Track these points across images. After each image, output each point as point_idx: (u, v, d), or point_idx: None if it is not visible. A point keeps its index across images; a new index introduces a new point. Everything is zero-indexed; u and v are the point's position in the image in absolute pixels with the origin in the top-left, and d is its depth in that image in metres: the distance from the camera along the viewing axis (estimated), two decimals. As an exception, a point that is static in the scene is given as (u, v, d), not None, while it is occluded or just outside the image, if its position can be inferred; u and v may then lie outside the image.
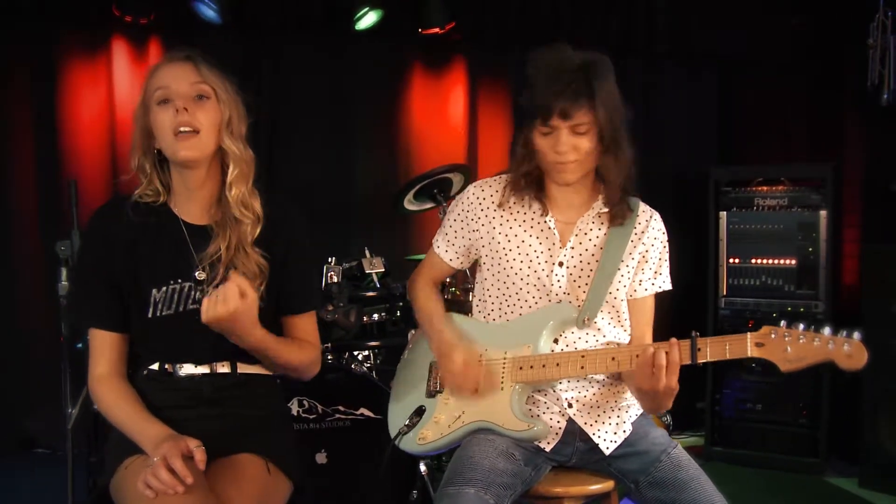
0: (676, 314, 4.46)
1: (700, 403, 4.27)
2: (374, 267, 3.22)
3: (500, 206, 2.13)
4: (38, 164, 3.97)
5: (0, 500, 3.51)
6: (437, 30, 4.21)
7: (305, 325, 2.07)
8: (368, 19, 4.11)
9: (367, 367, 3.28)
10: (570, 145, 1.94)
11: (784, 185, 3.99)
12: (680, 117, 4.71)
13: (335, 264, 3.09)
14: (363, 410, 2.87)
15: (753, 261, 4.03)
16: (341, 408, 2.88)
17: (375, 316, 3.29)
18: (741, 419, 4.05)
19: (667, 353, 1.83)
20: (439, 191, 3.43)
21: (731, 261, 4.08)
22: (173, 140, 1.85)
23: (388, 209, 3.65)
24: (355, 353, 3.31)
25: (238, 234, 1.94)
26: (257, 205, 1.97)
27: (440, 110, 4.50)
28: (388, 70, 4.41)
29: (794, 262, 3.95)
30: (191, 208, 1.98)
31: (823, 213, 3.88)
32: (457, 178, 3.45)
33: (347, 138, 4.35)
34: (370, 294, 3.21)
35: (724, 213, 4.09)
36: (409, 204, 3.53)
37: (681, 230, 4.55)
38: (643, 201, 2.20)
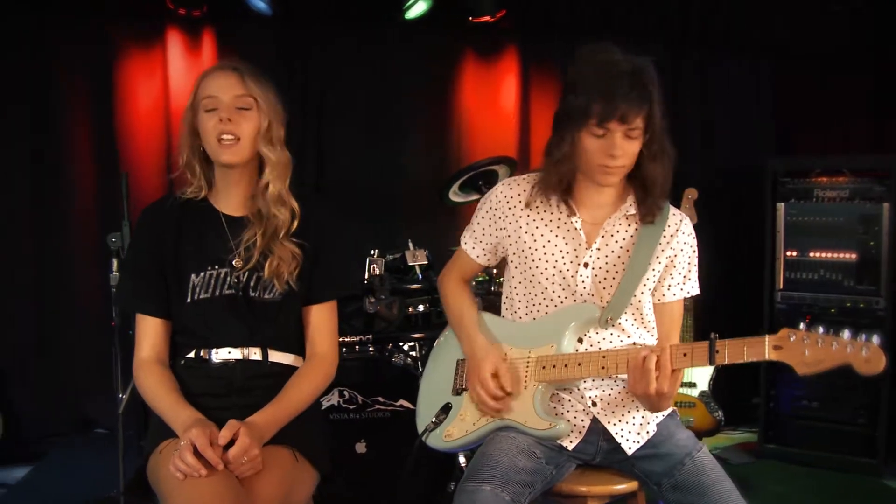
0: (732, 307, 4.41)
1: (756, 399, 4.17)
2: (418, 259, 3.25)
3: (527, 205, 2.13)
4: (96, 156, 4.12)
5: (61, 477, 3.69)
6: (487, 18, 4.19)
7: (321, 319, 2.14)
8: (418, 8, 4.11)
9: (413, 357, 3.30)
10: (623, 150, 1.93)
11: (845, 176, 3.85)
12: (737, 107, 4.60)
13: (378, 256, 3.12)
14: (402, 402, 2.90)
15: (812, 254, 3.91)
16: (381, 399, 2.92)
17: (421, 307, 3.32)
18: (797, 416, 3.95)
19: (658, 357, 1.82)
20: (484, 183, 3.43)
21: (788, 254, 3.96)
22: (217, 145, 2.00)
23: (437, 200, 3.67)
24: (400, 343, 3.34)
25: (275, 224, 2.06)
26: (292, 201, 2.09)
27: (492, 100, 4.49)
28: (438, 59, 4.41)
29: (854, 256, 3.81)
30: (230, 202, 2.11)
31: (886, 205, 3.72)
32: (502, 171, 3.45)
33: (397, 129, 4.39)
34: (414, 286, 3.24)
35: (782, 204, 3.96)
36: (455, 196, 3.53)
37: (737, 222, 4.50)
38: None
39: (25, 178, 4.07)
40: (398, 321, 3.18)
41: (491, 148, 4.28)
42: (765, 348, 1.76)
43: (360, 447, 2.90)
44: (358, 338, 3.05)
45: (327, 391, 2.82)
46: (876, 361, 1.65)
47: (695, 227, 3.89)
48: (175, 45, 4.12)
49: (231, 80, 2.01)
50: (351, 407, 2.90)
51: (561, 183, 2.06)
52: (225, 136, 1.98)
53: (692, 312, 3.93)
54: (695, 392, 3.93)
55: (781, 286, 3.98)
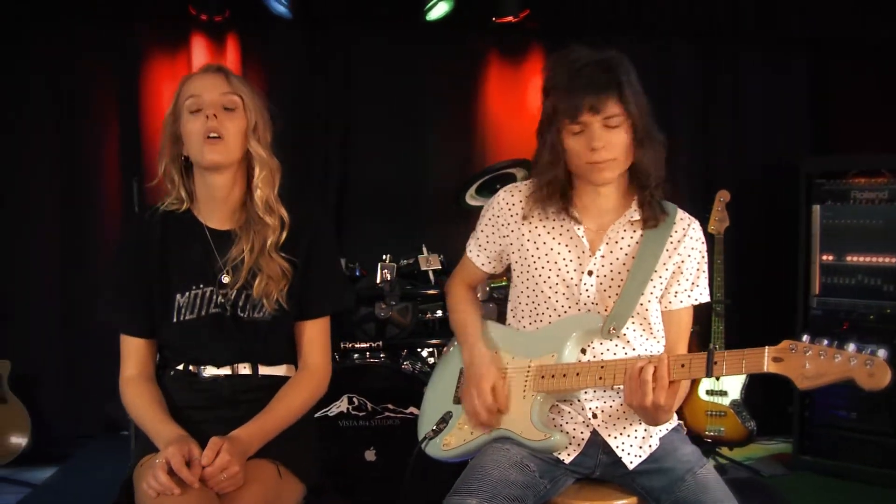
0: (766, 314, 4.26)
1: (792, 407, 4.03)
2: (431, 264, 3.20)
3: (524, 217, 2.07)
4: (122, 161, 4.15)
5: (85, 478, 3.74)
6: (510, 18, 4.11)
7: (313, 333, 2.08)
8: (439, 10, 4.04)
9: (431, 364, 3.27)
10: (604, 140, 1.86)
11: (885, 177, 3.68)
12: (769, 104, 4.43)
13: (390, 262, 3.09)
14: (413, 409, 2.86)
15: (849, 258, 3.75)
16: (391, 406, 2.89)
17: (439, 313, 3.28)
18: (833, 427, 3.78)
19: (655, 368, 1.74)
20: (502, 186, 3.35)
21: (823, 258, 3.81)
22: (202, 144, 1.91)
23: (456, 204, 3.62)
24: (418, 350, 3.30)
25: (262, 237, 1.99)
26: (282, 210, 2.02)
27: (518, 101, 4.39)
28: (462, 61, 4.34)
29: (894, 260, 3.65)
30: (215, 215, 2.04)
31: (928, 207, 3.57)
32: (520, 174, 3.38)
33: (421, 131, 4.33)
34: (429, 292, 3.19)
35: (818, 206, 3.81)
36: (472, 199, 3.48)
37: (770, 224, 4.36)
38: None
39: (53, 184, 4.11)
40: (411, 327, 3.14)
41: (517, 150, 4.17)
42: (764, 360, 1.67)
43: (370, 455, 2.87)
44: (368, 344, 3.01)
45: (336, 398, 2.85)
46: (880, 376, 1.56)
47: (727, 230, 3.85)
48: (199, 50, 4.13)
49: (216, 80, 1.95)
50: (360, 414, 2.88)
51: (551, 194, 2.00)
52: (211, 134, 1.90)
53: (723, 318, 3.82)
54: (726, 401, 3.81)
55: (817, 291, 3.83)
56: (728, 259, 3.86)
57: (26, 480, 3.70)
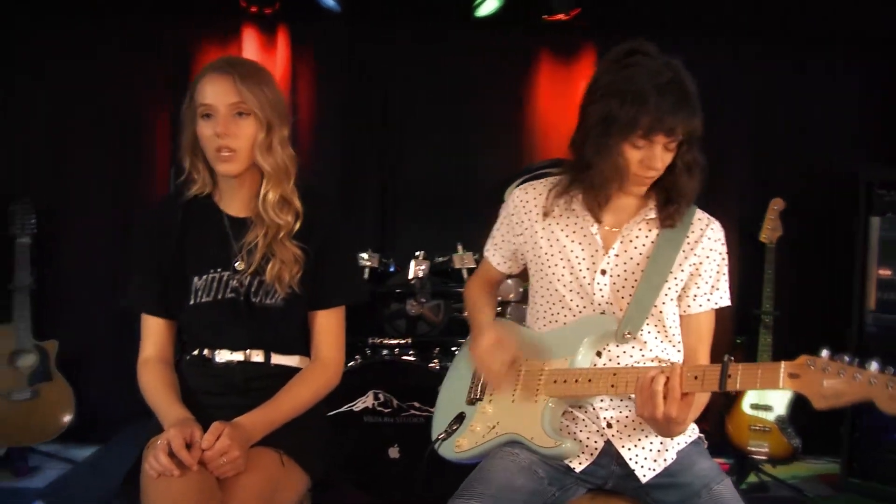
0: (818, 328, 4.09)
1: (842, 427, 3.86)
2: (465, 263, 3.17)
3: (545, 214, 2.03)
4: (173, 154, 4.15)
5: (123, 459, 3.73)
6: (561, 16, 4.06)
7: (326, 322, 2.08)
8: (489, 6, 4.01)
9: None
10: (663, 161, 1.84)
11: (950, 190, 3.53)
12: (825, 109, 4.23)
13: (423, 258, 3.07)
14: (439, 408, 2.84)
15: (908, 274, 3.60)
16: (416, 404, 2.87)
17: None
18: (885, 450, 3.61)
19: (667, 378, 1.67)
20: (543, 185, 3.31)
21: (881, 272, 3.66)
22: (214, 155, 1.95)
23: (497, 203, 3.57)
24: (452, 349, 3.28)
25: (277, 225, 2.00)
26: (296, 202, 2.04)
27: (569, 101, 4.29)
28: (512, 59, 4.28)
29: (956, 277, 3.49)
30: (233, 202, 2.08)
31: None
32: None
33: (467, 129, 4.29)
34: (460, 290, 3.16)
35: (877, 218, 3.66)
36: (511, 198, 3.43)
37: (827, 235, 4.19)
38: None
39: (107, 177, 4.20)
40: (442, 325, 3.12)
41: (566, 150, 4.12)
42: (779, 376, 1.59)
43: (393, 452, 2.86)
44: (397, 340, 3.00)
45: (362, 393, 2.85)
46: None
47: (780, 239, 3.71)
48: (250, 42, 4.17)
49: (225, 86, 1.92)
50: (386, 410, 2.87)
51: (600, 195, 1.94)
52: (223, 153, 1.92)
53: (771, 331, 3.70)
54: (771, 416, 3.69)
55: (873, 307, 3.67)
56: (779, 269, 3.73)
57: (69, 457, 3.82)
